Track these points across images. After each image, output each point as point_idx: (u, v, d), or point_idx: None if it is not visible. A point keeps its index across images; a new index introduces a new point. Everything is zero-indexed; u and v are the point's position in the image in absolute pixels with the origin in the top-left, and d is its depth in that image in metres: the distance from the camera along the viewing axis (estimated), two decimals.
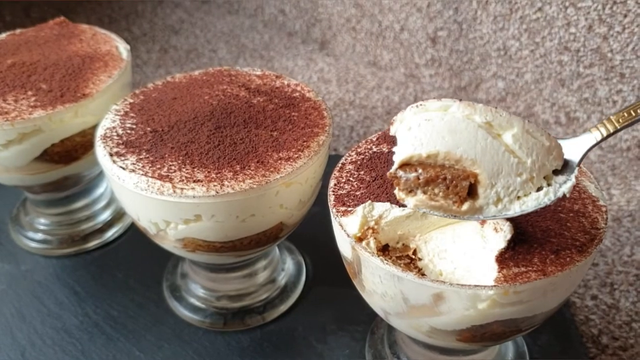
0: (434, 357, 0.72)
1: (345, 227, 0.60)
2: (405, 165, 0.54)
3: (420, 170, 0.53)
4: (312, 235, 0.93)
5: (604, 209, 0.61)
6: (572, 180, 0.54)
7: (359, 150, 0.69)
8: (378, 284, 0.59)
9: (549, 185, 0.54)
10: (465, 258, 0.60)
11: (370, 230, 0.61)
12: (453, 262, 0.60)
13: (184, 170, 0.66)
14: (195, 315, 0.83)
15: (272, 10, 1.46)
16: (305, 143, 0.70)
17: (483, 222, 0.58)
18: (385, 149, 0.68)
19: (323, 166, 0.73)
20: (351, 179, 0.66)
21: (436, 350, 0.71)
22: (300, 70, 1.31)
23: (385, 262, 0.56)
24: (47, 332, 0.83)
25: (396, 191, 0.55)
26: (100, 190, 0.98)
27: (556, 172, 0.54)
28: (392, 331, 0.78)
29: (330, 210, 0.63)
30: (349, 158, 0.68)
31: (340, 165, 0.67)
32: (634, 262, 0.90)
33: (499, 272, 0.55)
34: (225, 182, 0.65)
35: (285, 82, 0.80)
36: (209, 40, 1.46)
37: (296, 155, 0.68)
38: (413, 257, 0.63)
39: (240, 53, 1.41)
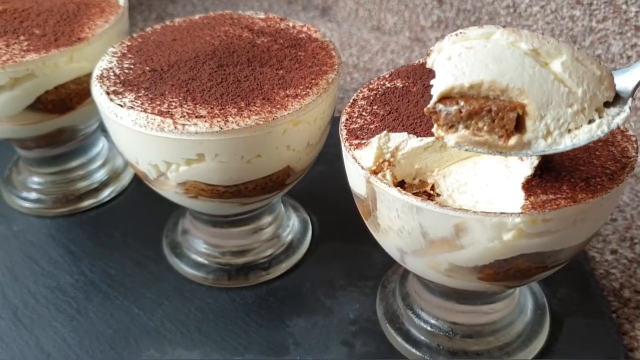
0: (451, 307, 0.68)
1: (360, 161, 0.57)
2: (445, 98, 0.49)
3: (462, 103, 0.48)
4: (317, 195, 0.90)
5: (634, 138, 0.58)
6: (626, 111, 0.49)
7: (371, 87, 0.65)
8: (395, 219, 0.55)
9: (601, 117, 0.49)
10: (488, 190, 0.56)
11: (387, 164, 0.57)
12: (474, 195, 0.57)
13: (185, 106, 0.62)
14: (197, 272, 0.79)
15: None
16: (313, 81, 0.66)
17: None
18: (399, 84, 0.65)
19: (332, 107, 0.70)
20: (364, 113, 0.62)
21: (453, 299, 0.68)
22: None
23: (404, 193, 0.53)
24: (41, 291, 0.78)
25: (435, 128, 0.50)
26: (96, 149, 0.94)
27: (607, 105, 0.50)
28: (405, 283, 0.74)
29: (343, 145, 0.59)
30: (361, 95, 0.65)
31: (352, 101, 0.64)
32: None
33: (526, 199, 0.51)
34: (230, 119, 0.61)
35: (291, 25, 0.77)
36: (207, 8, 1.42)
37: (304, 93, 0.64)
38: (432, 192, 0.59)
39: None
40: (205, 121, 0.61)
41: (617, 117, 0.49)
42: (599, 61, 0.50)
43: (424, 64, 0.67)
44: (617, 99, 0.50)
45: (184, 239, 0.82)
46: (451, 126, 0.49)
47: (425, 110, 0.50)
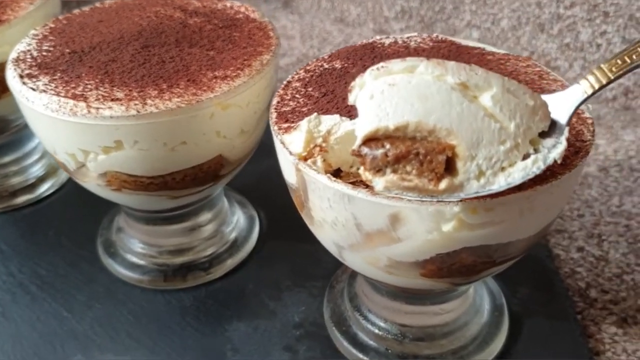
0: (399, 307, 0.63)
1: (289, 146, 0.51)
2: (370, 140, 0.45)
3: (388, 146, 0.44)
4: (267, 189, 0.84)
5: (589, 121, 0.53)
6: (562, 143, 0.45)
7: (308, 67, 0.60)
8: (327, 209, 0.50)
9: (536, 151, 0.45)
10: None
11: (318, 149, 0.52)
12: None
13: (101, 89, 0.57)
14: (131, 273, 0.73)
15: None
16: (246, 62, 0.61)
17: None
18: (338, 65, 0.59)
19: (270, 91, 0.64)
20: (297, 95, 0.56)
21: (400, 299, 0.62)
22: None
23: (333, 179, 0.47)
24: None
25: (361, 171, 0.46)
26: (32, 143, 0.88)
27: (543, 134, 0.46)
28: (353, 283, 0.69)
29: (272, 129, 0.53)
30: (296, 76, 0.59)
31: (285, 83, 0.58)
32: (624, 212, 0.81)
33: None
34: (149, 101, 0.56)
35: (228, 5, 0.71)
36: None
37: (234, 74, 0.59)
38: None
39: None
40: (121, 104, 0.55)
41: (553, 151, 0.45)
42: (530, 90, 0.46)
43: (365, 45, 0.62)
44: (553, 126, 0.47)
45: (118, 238, 0.77)
46: (378, 170, 0.45)
47: (350, 151, 0.46)
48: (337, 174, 0.54)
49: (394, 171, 0.45)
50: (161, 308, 0.70)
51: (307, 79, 0.58)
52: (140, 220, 0.73)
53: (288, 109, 0.55)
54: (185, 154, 0.59)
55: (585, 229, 0.79)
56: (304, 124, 0.52)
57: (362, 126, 0.45)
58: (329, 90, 0.56)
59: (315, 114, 0.52)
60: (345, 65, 0.59)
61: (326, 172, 0.52)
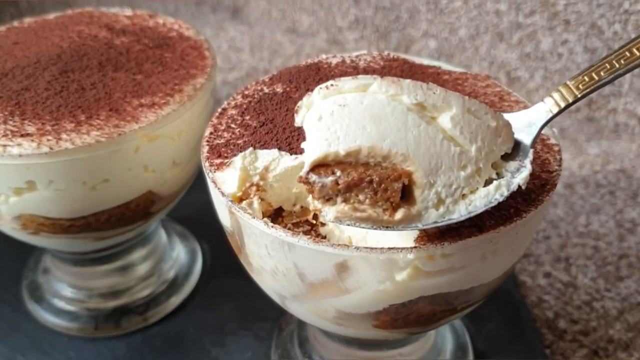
0: (352, 354, 0.58)
1: (221, 185, 0.45)
2: (319, 166, 0.40)
3: (338, 173, 0.40)
4: (211, 218, 0.76)
5: (556, 148, 0.48)
6: (527, 167, 0.42)
7: (245, 92, 0.54)
8: (265, 257, 0.44)
9: (499, 175, 0.42)
10: None
11: (255, 188, 0.46)
12: None
13: (10, 122, 0.50)
14: (59, 320, 0.66)
15: None
16: (177, 87, 0.55)
17: None
18: (279, 89, 0.53)
19: (204, 118, 0.58)
20: (233, 125, 0.50)
21: (354, 345, 0.57)
22: (209, 39, 1.15)
23: (270, 225, 0.41)
24: None
25: (310, 199, 0.41)
26: None
27: (506, 156, 0.43)
28: (304, 326, 0.63)
29: (203, 166, 0.47)
30: (233, 102, 0.53)
31: (219, 111, 0.52)
32: (591, 232, 0.77)
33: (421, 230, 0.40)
34: (64, 135, 0.49)
35: (161, 22, 0.65)
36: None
37: (163, 101, 0.53)
38: (314, 222, 0.48)
39: None
40: (32, 140, 0.49)
41: (517, 175, 0.42)
42: (492, 110, 0.42)
43: (310, 65, 0.56)
44: (517, 148, 0.43)
45: (45, 280, 0.70)
46: (328, 198, 0.40)
47: (297, 178, 0.41)
48: (279, 213, 0.48)
49: (345, 200, 0.40)
50: (91, 359, 0.63)
51: (244, 106, 0.52)
52: (67, 262, 0.66)
53: (222, 141, 0.49)
54: (109, 193, 0.53)
55: (552, 252, 0.75)
56: (238, 161, 0.46)
57: (310, 151, 0.40)
58: (268, 119, 0.50)
59: (251, 148, 0.46)
60: (288, 89, 0.53)
61: (265, 213, 0.47)
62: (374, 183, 0.40)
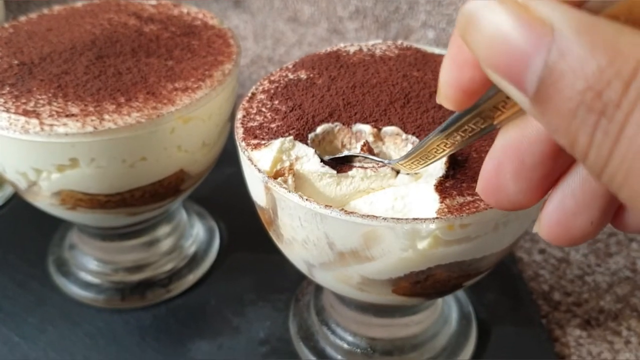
0: (367, 321, 0.62)
1: (257, 163, 0.49)
2: None
3: None
4: (227, 199, 0.81)
5: None
6: None
7: (272, 78, 0.58)
8: (298, 228, 0.48)
9: None
10: (401, 201, 0.49)
11: (288, 169, 0.50)
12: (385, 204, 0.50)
13: (55, 104, 0.54)
14: (86, 292, 0.70)
15: None
16: (207, 72, 0.58)
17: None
18: (303, 75, 0.57)
19: (231, 102, 0.62)
20: (263, 109, 0.54)
21: (369, 312, 0.61)
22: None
23: (305, 198, 0.45)
24: None
25: None
26: None
27: None
28: (320, 296, 0.67)
29: (238, 145, 0.51)
30: (260, 87, 0.57)
31: (249, 95, 0.56)
32: None
33: (441, 202, 0.45)
34: (106, 116, 0.53)
35: (185, 11, 0.68)
36: None
37: (195, 86, 0.57)
38: None
39: None
40: (77, 120, 0.52)
41: None
42: None
43: (330, 53, 0.60)
44: None
45: (71, 255, 0.73)
46: None
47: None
48: None
49: None
50: (119, 329, 0.67)
51: (272, 91, 0.56)
52: (95, 237, 0.70)
53: (255, 124, 0.53)
54: (145, 170, 0.57)
55: None
56: (276, 144, 0.50)
57: None
58: (296, 105, 0.54)
59: (291, 137, 0.50)
60: (311, 75, 0.57)
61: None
62: None
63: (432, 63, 0.59)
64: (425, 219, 0.43)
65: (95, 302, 0.69)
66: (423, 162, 0.44)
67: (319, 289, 0.68)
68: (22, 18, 0.67)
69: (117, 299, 0.69)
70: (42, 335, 0.66)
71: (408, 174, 0.48)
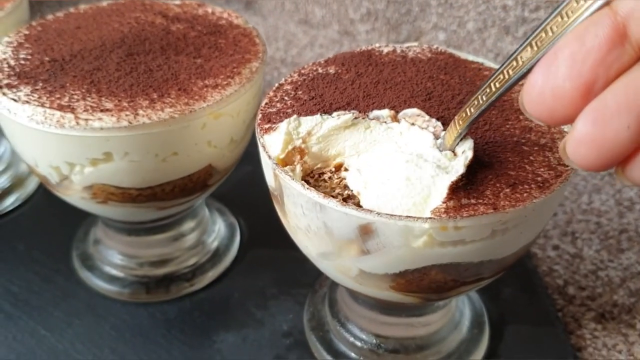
0: (375, 317, 0.63)
1: (269, 148, 0.50)
2: None
3: None
4: (246, 195, 0.83)
5: None
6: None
7: (302, 71, 0.59)
8: (300, 216, 0.49)
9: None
10: (411, 186, 0.49)
11: (298, 153, 0.51)
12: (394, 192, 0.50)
13: (89, 99, 0.55)
14: (111, 286, 0.71)
15: None
16: (235, 69, 0.60)
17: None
18: (332, 70, 0.59)
19: (257, 99, 0.63)
20: (285, 97, 0.55)
21: (376, 309, 0.62)
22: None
23: (306, 187, 0.46)
24: None
25: None
26: None
27: None
28: (335, 289, 0.68)
29: (256, 130, 0.52)
30: (289, 79, 0.58)
31: (276, 85, 0.57)
32: (593, 210, 0.83)
33: (444, 202, 0.44)
34: (140, 111, 0.54)
35: (209, 10, 0.70)
36: None
37: (225, 83, 0.58)
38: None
39: None
40: (112, 115, 0.53)
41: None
42: None
43: (363, 52, 0.62)
44: None
45: (95, 250, 0.74)
46: None
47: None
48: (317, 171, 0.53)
49: None
50: (144, 322, 0.68)
51: (299, 82, 0.57)
52: (121, 232, 0.71)
53: (273, 110, 0.54)
54: (177, 165, 0.58)
55: (559, 227, 0.81)
56: (283, 126, 0.51)
57: None
58: (317, 94, 0.55)
59: (295, 115, 0.51)
60: (339, 70, 0.59)
61: (306, 171, 0.51)
62: None
63: (462, 68, 0.59)
64: (418, 218, 0.44)
65: (120, 296, 0.70)
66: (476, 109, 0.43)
67: (335, 283, 0.69)
68: (50, 16, 0.69)
69: (141, 293, 0.70)
70: (68, 328, 0.67)
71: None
